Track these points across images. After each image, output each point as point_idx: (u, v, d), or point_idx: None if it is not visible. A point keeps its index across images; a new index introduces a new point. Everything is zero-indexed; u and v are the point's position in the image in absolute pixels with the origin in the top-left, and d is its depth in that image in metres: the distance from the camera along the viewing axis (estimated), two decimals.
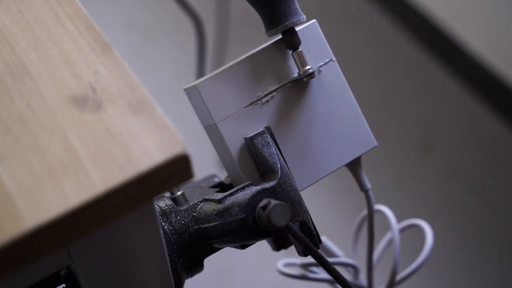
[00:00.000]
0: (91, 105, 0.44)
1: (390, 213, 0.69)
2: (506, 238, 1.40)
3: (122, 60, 0.47)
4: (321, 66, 0.58)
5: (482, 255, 1.37)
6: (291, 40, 0.56)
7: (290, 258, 0.69)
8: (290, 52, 0.57)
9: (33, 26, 0.50)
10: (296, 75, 0.57)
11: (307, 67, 0.56)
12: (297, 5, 0.56)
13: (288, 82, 0.57)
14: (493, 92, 1.57)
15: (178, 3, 1.05)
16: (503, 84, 1.53)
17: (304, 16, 0.56)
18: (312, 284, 0.94)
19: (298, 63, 0.57)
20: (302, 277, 0.67)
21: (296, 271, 0.68)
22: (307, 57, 0.57)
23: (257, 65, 0.57)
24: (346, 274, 0.71)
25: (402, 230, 0.71)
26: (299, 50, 0.56)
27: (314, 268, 0.68)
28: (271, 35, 0.56)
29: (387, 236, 0.74)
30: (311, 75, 0.57)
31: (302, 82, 0.57)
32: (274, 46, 0.57)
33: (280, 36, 0.57)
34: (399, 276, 0.68)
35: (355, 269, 0.69)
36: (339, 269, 0.71)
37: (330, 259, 0.70)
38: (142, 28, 1.77)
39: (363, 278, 0.70)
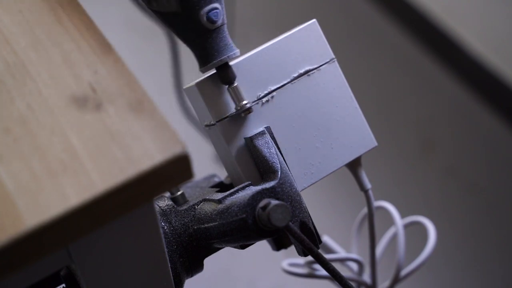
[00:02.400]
0: (91, 105, 0.45)
1: (393, 208, 0.69)
2: (506, 238, 1.40)
3: (122, 60, 0.47)
4: (321, 65, 0.58)
5: (482, 255, 1.37)
6: (225, 76, 0.54)
7: (294, 258, 0.69)
8: (226, 87, 0.55)
9: (33, 26, 0.50)
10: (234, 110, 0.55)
11: (244, 102, 0.55)
12: (230, 40, 0.54)
13: (225, 117, 0.55)
14: (493, 92, 1.57)
15: (149, 17, 1.03)
16: (503, 84, 1.53)
17: (238, 51, 0.55)
18: (313, 284, 0.94)
19: (234, 98, 0.55)
20: (309, 275, 0.67)
21: (303, 269, 0.68)
22: (308, 58, 0.57)
23: (257, 66, 0.57)
24: (351, 271, 0.71)
25: (404, 227, 0.71)
26: (235, 85, 0.55)
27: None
28: (205, 71, 0.55)
29: (388, 235, 0.74)
30: (249, 110, 0.55)
31: (298, 84, 0.57)
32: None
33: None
34: (403, 272, 0.68)
35: (360, 265, 0.69)
36: (345, 264, 0.71)
37: (335, 255, 0.70)
38: (142, 28, 1.77)
39: (366, 276, 0.70)
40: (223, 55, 0.54)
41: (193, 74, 0.61)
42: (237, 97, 0.55)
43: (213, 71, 0.55)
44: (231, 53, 0.54)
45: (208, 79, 0.55)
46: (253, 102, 0.56)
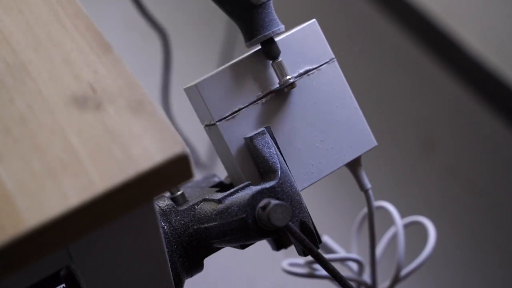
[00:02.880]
0: (91, 105, 0.45)
1: (393, 208, 0.69)
2: (506, 238, 1.40)
3: (122, 60, 0.47)
4: (321, 65, 0.58)
5: (482, 255, 1.37)
6: (270, 51, 0.55)
7: (294, 258, 0.69)
8: (270, 62, 0.56)
9: (33, 26, 0.50)
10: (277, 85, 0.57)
11: (288, 77, 0.56)
12: (275, 16, 0.55)
13: (269, 93, 0.56)
14: (493, 92, 1.57)
15: (144, 18, 1.04)
16: (503, 84, 1.53)
17: (283, 26, 0.55)
18: (313, 284, 0.94)
19: (278, 73, 0.56)
20: (309, 275, 0.67)
21: (303, 269, 0.68)
22: (308, 58, 0.57)
23: (254, 67, 0.57)
24: (351, 271, 0.71)
25: (404, 227, 0.71)
26: (279, 60, 0.56)
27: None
28: (250, 45, 0.56)
29: (388, 235, 0.74)
30: (292, 85, 0.56)
31: (298, 84, 0.57)
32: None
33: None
34: (403, 272, 0.68)
35: (360, 265, 0.69)
36: (345, 264, 0.71)
37: (335, 255, 0.70)
38: (142, 28, 1.77)
39: (366, 276, 0.70)
40: (268, 30, 0.55)
41: (184, 79, 0.61)
42: (281, 72, 0.56)
43: (208, 74, 0.55)
44: (276, 28, 0.55)
45: (209, 79, 0.55)
46: (253, 102, 0.56)
